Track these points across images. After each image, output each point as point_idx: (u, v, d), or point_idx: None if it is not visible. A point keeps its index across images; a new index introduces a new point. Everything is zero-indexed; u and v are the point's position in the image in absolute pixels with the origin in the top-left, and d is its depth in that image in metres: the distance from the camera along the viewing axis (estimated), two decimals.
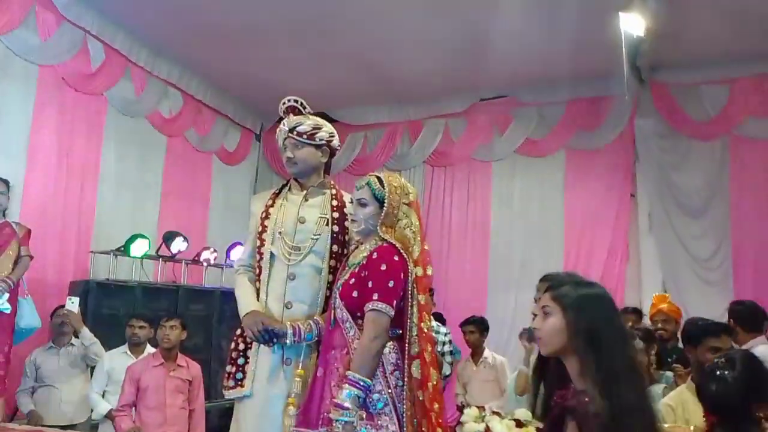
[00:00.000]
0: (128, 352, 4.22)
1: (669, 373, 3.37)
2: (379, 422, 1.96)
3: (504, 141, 7.09)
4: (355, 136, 7.73)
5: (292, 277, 2.37)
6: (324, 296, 2.37)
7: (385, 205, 2.14)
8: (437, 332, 4.97)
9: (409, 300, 2.08)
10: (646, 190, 6.50)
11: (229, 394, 2.37)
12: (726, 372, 1.81)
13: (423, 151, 7.45)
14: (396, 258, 2.07)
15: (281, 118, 2.54)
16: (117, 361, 4.17)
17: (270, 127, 7.67)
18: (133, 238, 5.33)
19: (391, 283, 2.02)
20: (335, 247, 2.41)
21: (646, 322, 4.60)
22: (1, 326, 3.61)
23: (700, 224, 6.14)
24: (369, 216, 2.16)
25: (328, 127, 2.52)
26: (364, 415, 1.94)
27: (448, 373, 4.99)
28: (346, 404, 1.88)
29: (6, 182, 3.74)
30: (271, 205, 2.50)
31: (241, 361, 2.36)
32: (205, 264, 5.98)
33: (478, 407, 2.02)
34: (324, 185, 2.53)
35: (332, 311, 2.14)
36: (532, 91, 6.83)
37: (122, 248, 5.34)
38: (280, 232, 2.41)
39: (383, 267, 2.04)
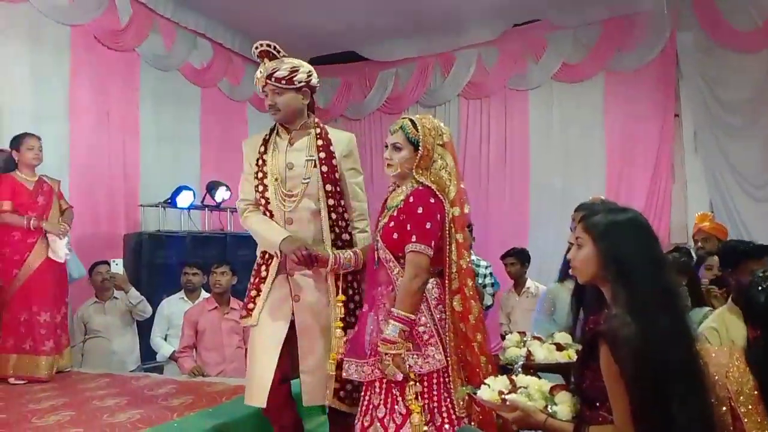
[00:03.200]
0: (185, 298, 4.44)
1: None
2: (426, 352, 2.05)
3: (539, 68, 6.89)
4: (386, 73, 7.63)
5: (290, 221, 2.45)
6: (329, 234, 2.44)
7: (420, 148, 2.15)
8: (477, 266, 5.04)
9: (447, 239, 2.14)
10: (690, 108, 6.27)
11: (242, 323, 2.55)
12: None
13: (456, 84, 7.31)
14: (432, 200, 2.11)
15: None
16: (175, 306, 4.40)
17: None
18: (178, 190, 5.51)
19: (428, 225, 2.07)
20: (329, 186, 2.45)
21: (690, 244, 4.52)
22: (60, 280, 3.78)
23: (748, 141, 5.92)
24: (404, 160, 2.18)
25: (305, 67, 2.49)
26: (411, 346, 2.03)
27: (489, 303, 5.07)
28: (393, 338, 1.98)
29: (39, 138, 3.84)
30: (264, 152, 2.52)
31: (253, 293, 2.48)
32: None
33: (519, 332, 2.07)
34: (307, 126, 2.53)
35: (376, 252, 2.21)
36: (566, 13, 6.55)
37: (169, 200, 5.53)
38: (276, 179, 2.46)
39: (420, 210, 2.09)
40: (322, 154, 2.47)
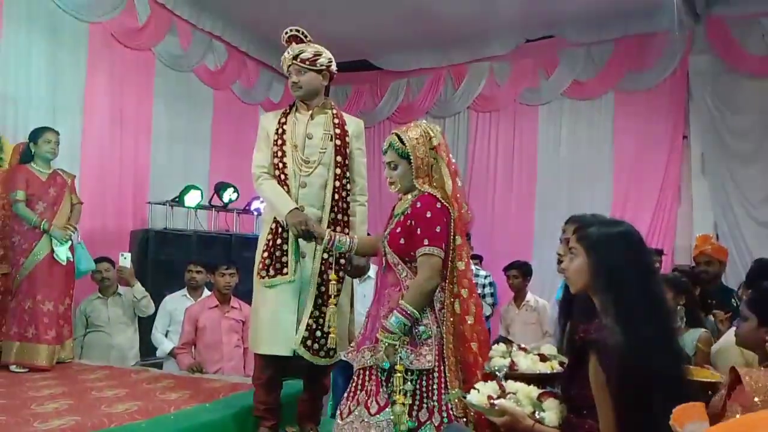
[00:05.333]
0: (187, 295, 4.48)
1: (712, 319, 3.34)
2: (419, 350, 2.09)
3: (550, 84, 6.94)
4: (398, 83, 7.71)
5: (304, 185, 2.72)
6: (332, 199, 2.71)
7: (412, 161, 2.20)
8: (477, 275, 5.06)
9: (451, 244, 2.18)
10: (699, 131, 6.30)
11: (270, 282, 2.67)
12: None
13: (467, 97, 7.37)
14: (438, 206, 2.16)
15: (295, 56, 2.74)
16: (177, 303, 4.43)
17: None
18: (186, 190, 5.57)
19: (438, 228, 2.13)
20: (339, 158, 2.75)
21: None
22: (67, 272, 3.85)
23: (755, 166, 5.93)
24: (402, 176, 2.25)
25: (327, 53, 2.79)
26: (407, 341, 2.08)
27: (488, 314, 5.09)
28: (393, 329, 2.04)
29: (57, 132, 3.91)
30: (284, 123, 2.79)
31: (278, 253, 2.67)
32: (255, 213, 6.19)
33: (506, 343, 2.10)
34: (326, 106, 2.83)
35: (383, 257, 2.27)
36: (579, 30, 6.62)
37: (177, 199, 5.59)
38: (295, 146, 2.73)
39: (428, 214, 2.15)
40: (338, 131, 2.78)
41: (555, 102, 6.97)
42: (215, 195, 5.97)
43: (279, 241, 2.69)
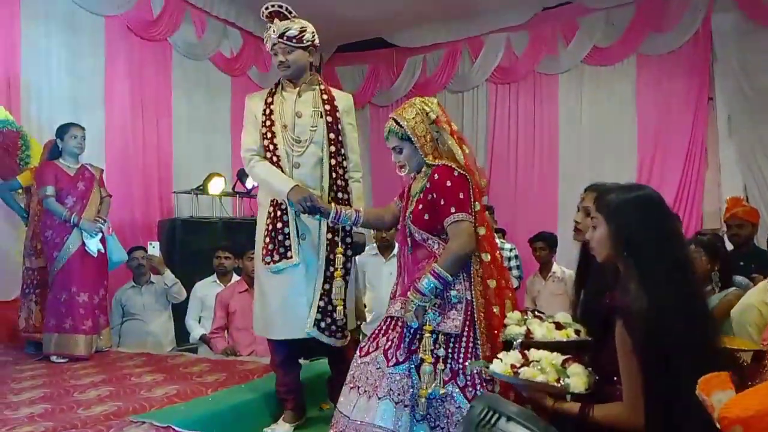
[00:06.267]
0: (217, 281, 4.56)
1: (740, 278, 3.29)
2: (448, 313, 2.09)
3: (570, 51, 6.81)
4: (414, 59, 7.63)
5: (297, 165, 2.67)
6: (330, 177, 2.66)
7: (414, 141, 2.20)
8: (501, 248, 5.04)
9: (472, 210, 2.17)
10: (725, 92, 6.14)
11: (276, 267, 2.62)
12: None
13: (485, 69, 7.28)
14: (456, 174, 2.15)
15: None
16: (208, 289, 4.52)
17: (329, 58, 7.68)
18: (209, 177, 5.62)
19: (461, 195, 2.12)
20: (332, 135, 2.69)
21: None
22: (99, 263, 3.94)
23: None
24: (409, 157, 2.25)
25: (311, 27, 2.71)
26: (438, 303, 2.08)
27: (514, 286, 5.07)
28: (424, 291, 2.04)
29: (83, 128, 3.98)
30: (271, 103, 2.74)
31: (281, 237, 2.63)
32: None
33: (521, 311, 2.08)
34: (313, 82, 2.76)
35: (407, 238, 2.25)
36: None
37: (201, 187, 5.65)
38: (284, 126, 2.68)
39: (448, 183, 2.13)
40: (327, 107, 2.72)
41: (575, 70, 6.85)
42: (238, 181, 6.02)
43: (279, 225, 2.64)
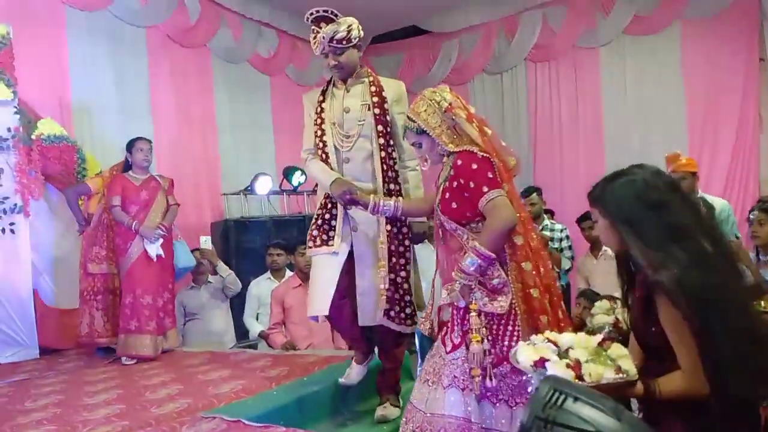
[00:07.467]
0: (271, 278, 4.66)
1: None
2: (495, 295, 2.07)
3: (609, 22, 6.61)
4: (450, 44, 7.56)
5: (347, 161, 2.74)
6: (381, 170, 2.70)
7: (430, 134, 2.20)
8: (552, 230, 4.98)
9: None
10: None
11: (316, 251, 2.76)
12: None
13: (522, 48, 7.15)
14: (480, 156, 2.13)
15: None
16: (263, 286, 4.62)
17: (364, 50, 7.66)
18: (256, 177, 5.73)
19: (490, 175, 2.10)
20: (380, 127, 2.71)
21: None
22: (163, 267, 4.09)
23: None
24: (429, 150, 2.26)
25: (356, 23, 2.71)
26: (484, 286, 2.07)
27: (568, 267, 5.01)
28: (469, 269, 2.03)
29: (149, 141, 4.17)
30: (323, 101, 2.81)
31: (326, 227, 2.76)
32: None
33: (609, 299, 2.03)
34: (361, 75, 2.79)
35: (438, 229, 2.25)
36: None
37: (249, 188, 5.77)
38: (333, 123, 2.74)
39: (474, 166, 2.11)
40: (375, 99, 2.74)
41: (616, 41, 6.64)
42: (284, 179, 6.11)
43: (328, 216, 2.76)
